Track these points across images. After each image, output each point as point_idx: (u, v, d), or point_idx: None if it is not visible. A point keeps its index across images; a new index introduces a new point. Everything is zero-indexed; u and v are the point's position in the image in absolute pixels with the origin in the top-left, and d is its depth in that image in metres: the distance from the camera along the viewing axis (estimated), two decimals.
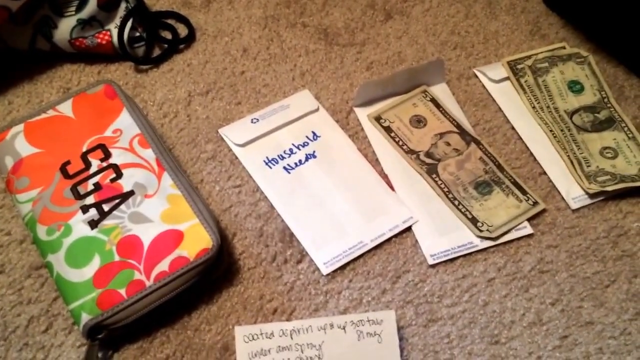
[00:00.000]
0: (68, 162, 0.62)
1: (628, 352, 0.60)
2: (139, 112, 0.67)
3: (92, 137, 0.64)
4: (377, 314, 0.58)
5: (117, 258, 0.57)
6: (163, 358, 0.59)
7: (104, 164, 0.62)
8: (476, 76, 0.79)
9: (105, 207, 0.60)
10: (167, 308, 0.59)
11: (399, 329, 0.60)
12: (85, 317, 0.55)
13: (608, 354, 0.60)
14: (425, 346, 0.60)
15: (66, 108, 0.66)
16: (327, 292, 0.63)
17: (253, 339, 0.57)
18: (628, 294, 0.63)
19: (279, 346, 0.57)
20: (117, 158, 0.63)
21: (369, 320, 0.58)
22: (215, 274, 0.61)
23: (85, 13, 0.73)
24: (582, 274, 0.64)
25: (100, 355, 0.58)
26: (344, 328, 0.57)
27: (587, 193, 0.69)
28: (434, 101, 0.75)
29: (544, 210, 0.68)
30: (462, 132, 0.72)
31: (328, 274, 0.64)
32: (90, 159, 0.63)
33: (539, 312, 0.62)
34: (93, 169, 0.62)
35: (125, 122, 0.65)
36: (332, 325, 0.57)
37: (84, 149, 0.63)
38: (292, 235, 0.65)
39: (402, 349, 0.59)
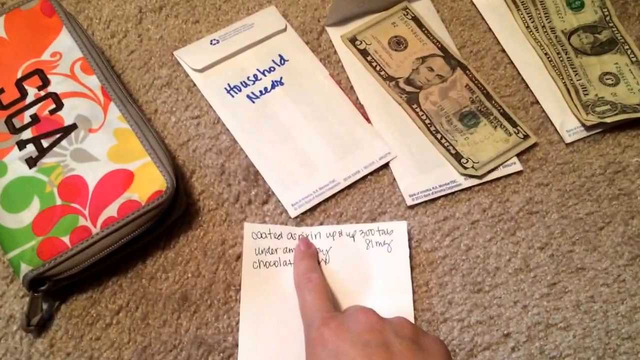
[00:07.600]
0: (1, 91, 0.57)
1: (622, 301, 0.56)
2: (81, 32, 0.60)
3: (28, 62, 0.58)
4: (387, 224, 0.58)
5: (59, 202, 0.52)
6: (115, 309, 0.55)
7: (42, 93, 0.57)
8: None
9: (45, 143, 0.55)
10: (119, 255, 0.54)
11: None
12: (24, 268, 0.51)
13: (600, 302, 0.56)
14: None
15: None
16: None
17: (261, 236, 0.57)
18: (624, 237, 0.59)
19: (286, 247, 0.57)
20: (56, 86, 0.57)
21: (379, 230, 0.58)
22: (171, 218, 0.56)
23: None
24: (575, 215, 0.60)
25: (45, 307, 0.54)
26: (352, 236, 0.57)
27: (583, 125, 0.63)
28: (416, 20, 0.67)
29: (535, 145, 0.62)
30: (447, 55, 0.65)
31: (297, 217, 0.59)
32: (26, 86, 0.57)
33: (526, 258, 0.58)
34: (29, 99, 0.56)
35: (65, 44, 0.59)
36: (340, 233, 0.58)
37: (19, 75, 0.57)
38: (256, 173, 0.60)
39: None
